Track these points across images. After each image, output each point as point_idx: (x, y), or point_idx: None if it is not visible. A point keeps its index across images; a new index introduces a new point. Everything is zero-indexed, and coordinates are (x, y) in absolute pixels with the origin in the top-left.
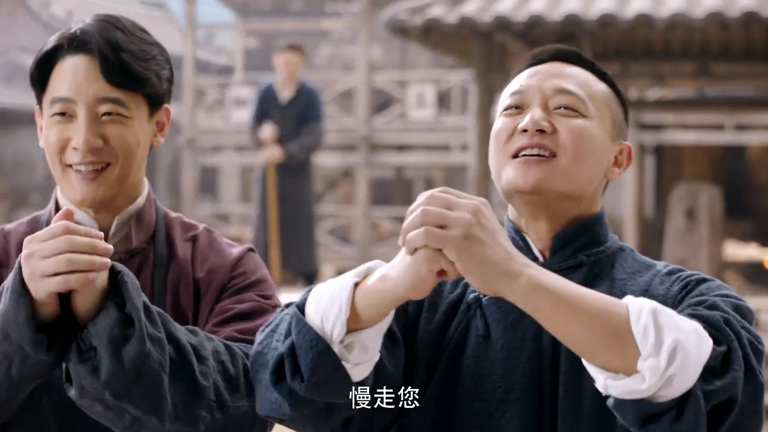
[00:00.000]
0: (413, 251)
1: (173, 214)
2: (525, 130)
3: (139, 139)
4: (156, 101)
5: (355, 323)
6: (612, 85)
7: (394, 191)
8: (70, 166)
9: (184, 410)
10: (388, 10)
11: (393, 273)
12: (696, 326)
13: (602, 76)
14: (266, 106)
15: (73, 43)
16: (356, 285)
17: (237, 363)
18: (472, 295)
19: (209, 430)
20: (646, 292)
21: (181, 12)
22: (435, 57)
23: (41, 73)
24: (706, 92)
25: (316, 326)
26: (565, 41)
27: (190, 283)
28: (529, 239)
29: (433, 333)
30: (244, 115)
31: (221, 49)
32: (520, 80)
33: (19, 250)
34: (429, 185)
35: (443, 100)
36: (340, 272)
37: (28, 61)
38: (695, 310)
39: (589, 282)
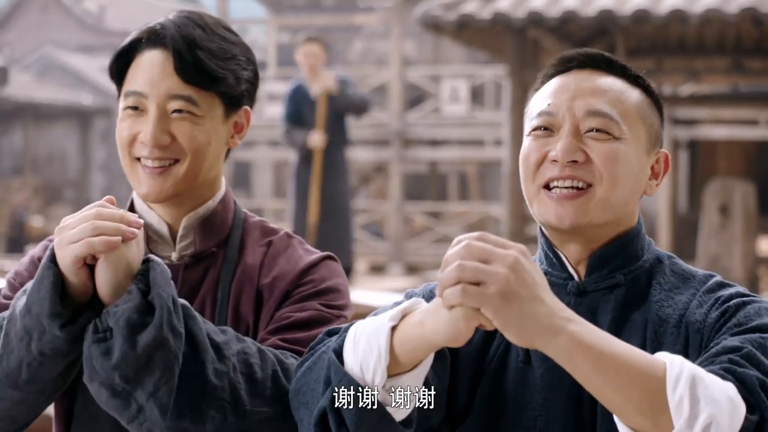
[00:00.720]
0: (451, 307)
1: (255, 219)
2: (556, 160)
3: (210, 139)
4: (233, 102)
5: (395, 368)
6: (646, 88)
7: (427, 186)
8: (139, 159)
9: (188, 407)
10: (421, 6)
11: (431, 321)
12: (730, 392)
13: (635, 81)
14: (300, 105)
15: (151, 38)
16: (393, 328)
17: (266, 367)
18: None
19: (221, 431)
20: (683, 317)
21: (213, 7)
22: (468, 52)
23: (119, 67)
24: (740, 88)
25: (356, 375)
26: (598, 37)
27: (253, 291)
28: (563, 257)
29: (474, 351)
30: (277, 110)
31: (253, 44)
32: (548, 95)
33: None
34: (462, 180)
35: (477, 95)
36: (373, 267)
37: (60, 56)
38: (732, 363)
39: (626, 305)
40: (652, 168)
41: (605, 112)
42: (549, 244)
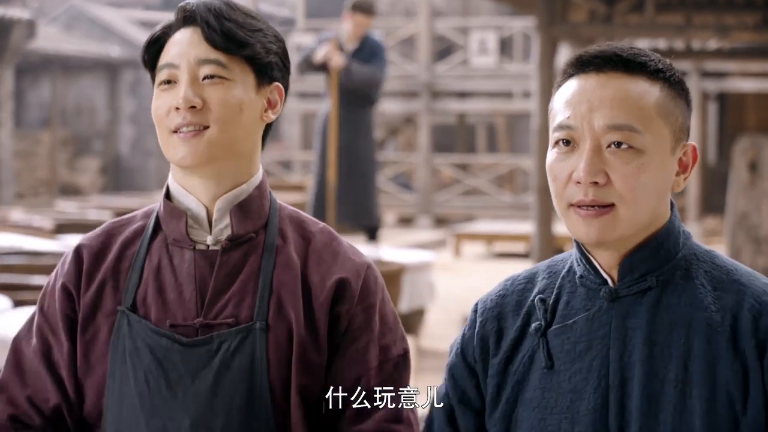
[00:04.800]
0: None
1: (289, 209)
2: (579, 182)
3: (242, 106)
4: (262, 70)
5: None
6: (668, 79)
7: (456, 138)
8: (175, 132)
9: None
10: None
11: None
12: None
13: (656, 75)
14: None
15: (180, 20)
16: None
17: None
18: (534, 325)
19: None
20: (737, 324)
21: None
22: (497, 4)
23: (152, 54)
24: None
25: None
26: None
27: (298, 286)
28: (596, 263)
29: (498, 363)
30: None
31: (282, 1)
32: (567, 103)
33: (125, 245)
34: (491, 132)
35: (505, 47)
36: (401, 219)
37: (89, 8)
38: None
39: (660, 308)
40: (680, 161)
41: (625, 124)
42: (582, 250)
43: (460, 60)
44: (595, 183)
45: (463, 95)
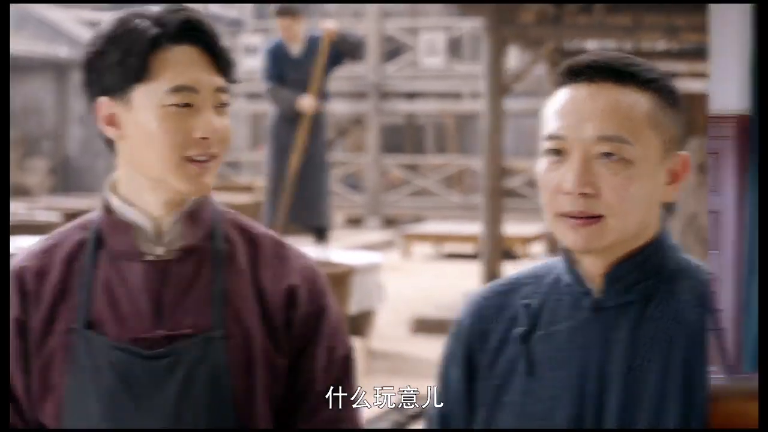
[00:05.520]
0: None
1: (230, 212)
2: (568, 192)
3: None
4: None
5: None
6: (660, 89)
7: (404, 138)
8: (188, 158)
9: None
10: None
11: None
12: None
13: (647, 84)
14: (280, 64)
15: (178, 33)
16: None
17: None
18: (517, 330)
19: None
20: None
21: None
22: (446, 4)
23: (139, 63)
24: None
25: None
26: None
27: (250, 292)
28: (581, 273)
29: (483, 368)
30: (254, 63)
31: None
32: (558, 113)
33: (68, 261)
34: (440, 132)
35: (454, 48)
36: (350, 220)
37: (37, 9)
38: None
39: (643, 322)
40: (671, 171)
41: (615, 135)
42: (569, 259)
43: (408, 60)
44: (584, 194)
45: (411, 96)
